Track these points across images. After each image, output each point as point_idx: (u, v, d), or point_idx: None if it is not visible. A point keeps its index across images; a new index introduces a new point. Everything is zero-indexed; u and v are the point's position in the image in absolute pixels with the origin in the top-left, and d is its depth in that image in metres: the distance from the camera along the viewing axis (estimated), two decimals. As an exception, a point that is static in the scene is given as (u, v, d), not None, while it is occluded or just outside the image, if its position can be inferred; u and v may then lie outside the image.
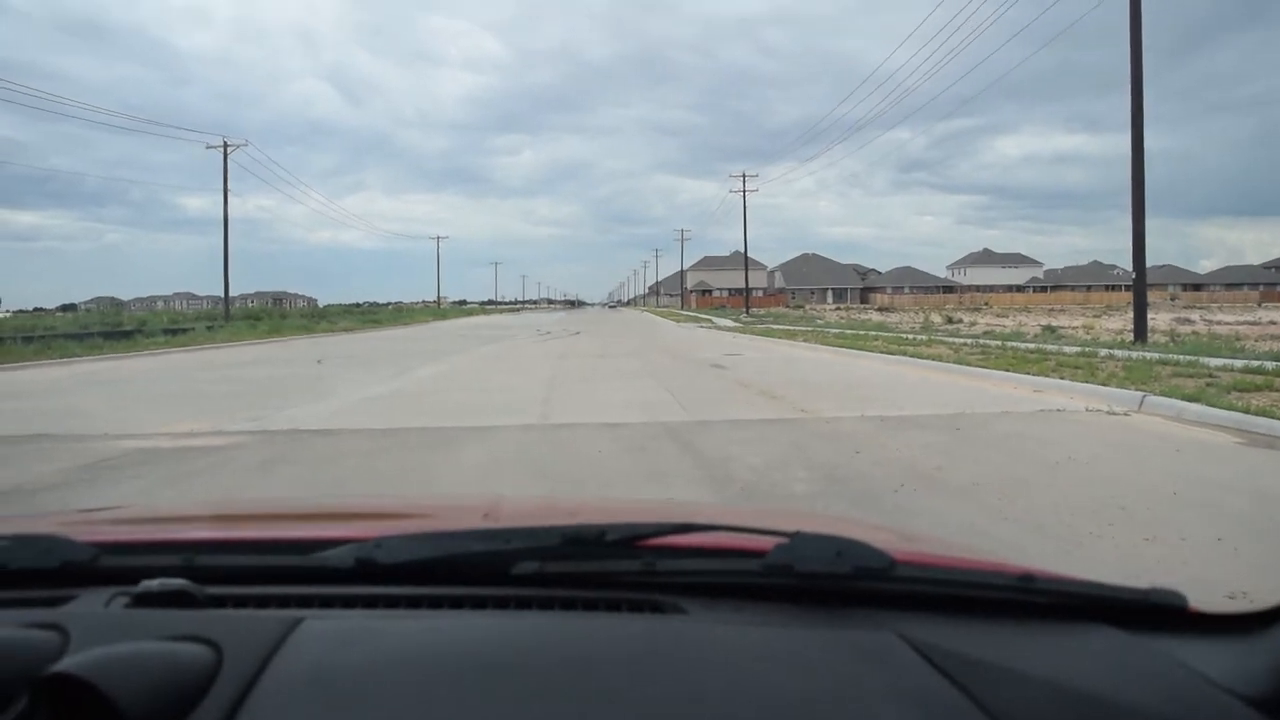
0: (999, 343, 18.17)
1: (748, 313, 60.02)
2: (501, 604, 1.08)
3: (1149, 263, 18.08)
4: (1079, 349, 15.57)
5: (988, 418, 8.64)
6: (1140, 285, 17.84)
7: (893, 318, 46.87)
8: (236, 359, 21.09)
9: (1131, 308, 18.43)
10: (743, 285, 71.91)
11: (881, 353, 17.55)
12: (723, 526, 1.25)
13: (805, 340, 23.57)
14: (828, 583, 1.05)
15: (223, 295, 46.88)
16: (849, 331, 26.85)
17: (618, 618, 1.06)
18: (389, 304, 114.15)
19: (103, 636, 0.91)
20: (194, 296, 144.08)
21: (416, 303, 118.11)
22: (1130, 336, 18.05)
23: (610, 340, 28.44)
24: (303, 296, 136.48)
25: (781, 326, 34.18)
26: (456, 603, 1.08)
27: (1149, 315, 18.59)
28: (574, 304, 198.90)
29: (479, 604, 1.08)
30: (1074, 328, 28.04)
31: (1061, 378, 11.22)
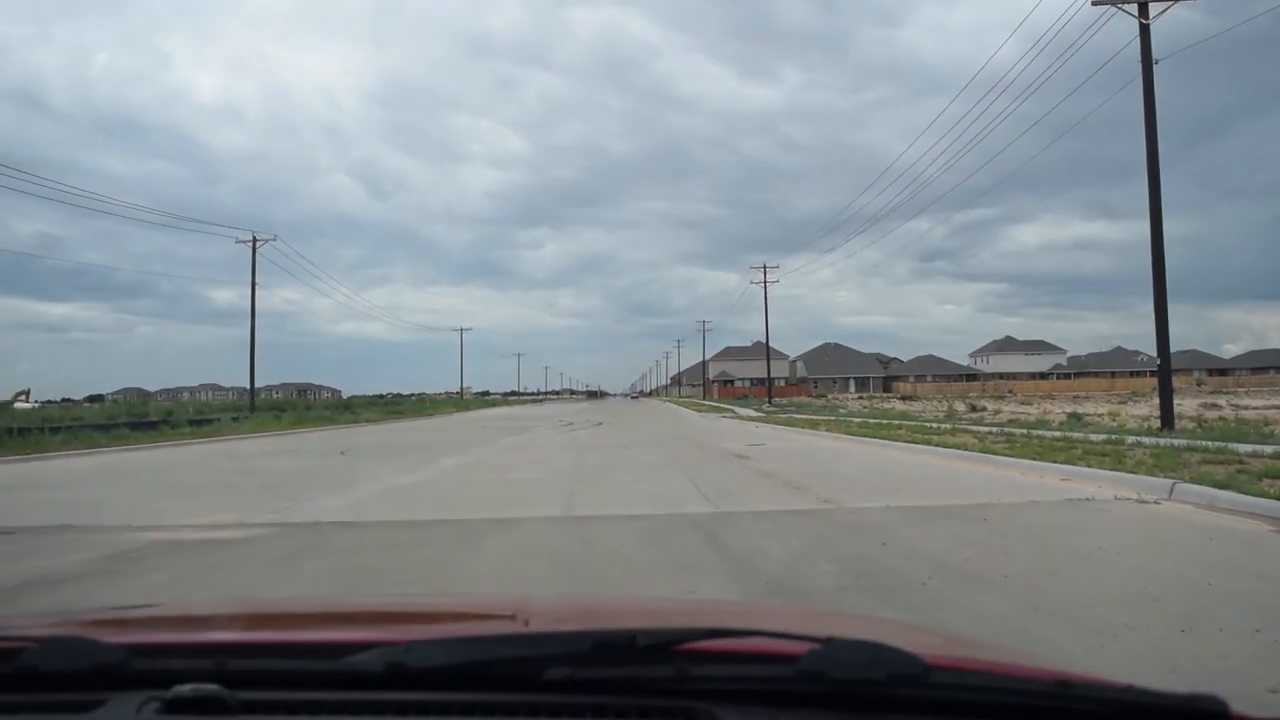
0: (1024, 431, 17.98)
1: (770, 402, 59.94)
2: (533, 711, 1.07)
3: (1173, 348, 18.01)
4: (1105, 436, 15.41)
5: (1015, 507, 8.51)
6: (1165, 372, 17.74)
7: (916, 406, 46.63)
8: (261, 450, 21.22)
9: (1157, 393, 18.27)
10: (764, 375, 71.96)
11: (905, 442, 17.44)
12: (755, 631, 1.25)
13: (828, 430, 23.47)
14: (862, 689, 1.04)
15: (248, 387, 47.48)
16: (872, 421, 26.71)
17: None
18: (412, 395, 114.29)
19: None
20: (219, 388, 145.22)
21: (440, 394, 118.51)
22: (1157, 423, 17.84)
23: (632, 431, 28.42)
24: (327, 388, 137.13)
25: (804, 416, 34.06)
26: (488, 710, 1.07)
27: (1175, 401, 18.39)
28: (595, 394, 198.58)
29: (510, 711, 1.07)
30: (1099, 414, 27.74)
31: (1089, 466, 11.08)
